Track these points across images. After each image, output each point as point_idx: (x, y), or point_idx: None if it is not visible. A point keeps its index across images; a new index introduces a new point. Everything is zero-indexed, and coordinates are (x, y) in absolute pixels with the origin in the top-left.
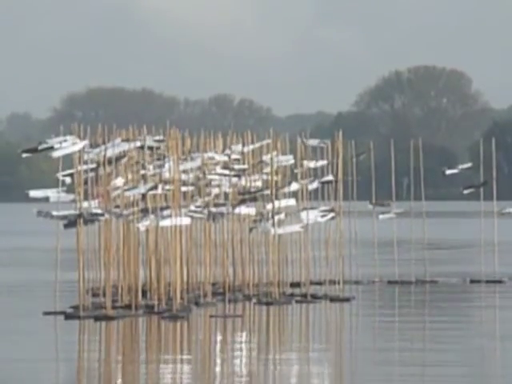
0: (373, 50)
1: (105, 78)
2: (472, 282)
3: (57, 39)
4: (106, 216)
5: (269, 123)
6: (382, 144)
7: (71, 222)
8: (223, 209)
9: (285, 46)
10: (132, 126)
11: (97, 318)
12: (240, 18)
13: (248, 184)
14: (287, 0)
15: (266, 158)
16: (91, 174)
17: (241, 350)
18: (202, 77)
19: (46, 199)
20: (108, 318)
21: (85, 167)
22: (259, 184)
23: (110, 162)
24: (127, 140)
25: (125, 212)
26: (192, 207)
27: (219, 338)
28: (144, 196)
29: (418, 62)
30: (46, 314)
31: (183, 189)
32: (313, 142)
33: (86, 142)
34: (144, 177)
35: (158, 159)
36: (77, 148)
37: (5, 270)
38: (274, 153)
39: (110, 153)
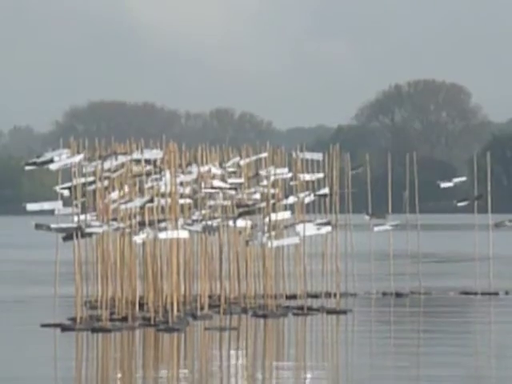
0: (372, 64)
1: (106, 91)
2: (467, 294)
3: (58, 53)
4: (104, 229)
5: (269, 137)
6: (382, 157)
7: (70, 235)
8: (219, 222)
9: (284, 59)
10: (129, 140)
11: (93, 330)
12: (238, 31)
13: (245, 197)
14: (285, 14)
15: (262, 171)
16: (89, 188)
17: (234, 362)
18: (203, 91)
19: (45, 212)
20: (104, 330)
21: (83, 180)
22: (257, 197)
23: (106, 176)
24: (124, 153)
25: (121, 225)
26: (189, 220)
27: (213, 350)
28: (141, 209)
29: (417, 76)
30: (44, 326)
31: (180, 202)
32: (309, 155)
33: (82, 156)
34: (141, 190)
35: (156, 172)
36: (72, 160)
37: (5, 283)
38: (272, 166)
39: (106, 166)
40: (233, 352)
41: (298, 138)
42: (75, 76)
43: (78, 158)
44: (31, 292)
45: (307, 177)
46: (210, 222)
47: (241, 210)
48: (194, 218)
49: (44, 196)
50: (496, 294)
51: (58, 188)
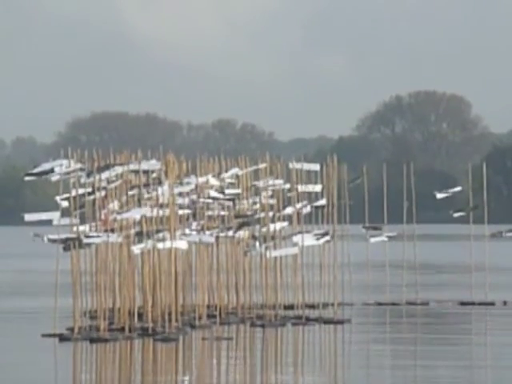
0: (373, 75)
1: (109, 102)
2: (464, 304)
3: (61, 65)
4: (102, 239)
5: (271, 147)
6: (382, 168)
7: (69, 245)
8: (217, 232)
9: (285, 71)
10: (126, 151)
11: (92, 340)
12: (237, 43)
13: (244, 207)
14: (284, 26)
15: (259, 182)
16: (88, 198)
17: (232, 372)
18: (205, 102)
19: (45, 222)
20: (102, 340)
21: (82, 191)
22: (256, 207)
23: (104, 187)
24: (121, 164)
25: (119, 235)
26: (187, 231)
27: (209, 360)
28: (140, 219)
29: (418, 87)
30: (45, 336)
31: (179, 212)
32: (307, 166)
33: (79, 165)
34: (139, 200)
35: (154, 183)
36: (69, 170)
37: (6, 293)
38: (270, 177)
39: (104, 176)
40: (230, 362)
41: (300, 148)
42: (78, 87)
43: (76, 167)
44: (32, 303)
45: (305, 188)
46: (208, 233)
47: (240, 220)
48: (192, 228)
49: (46, 206)
50: (492, 304)
51: (58, 198)
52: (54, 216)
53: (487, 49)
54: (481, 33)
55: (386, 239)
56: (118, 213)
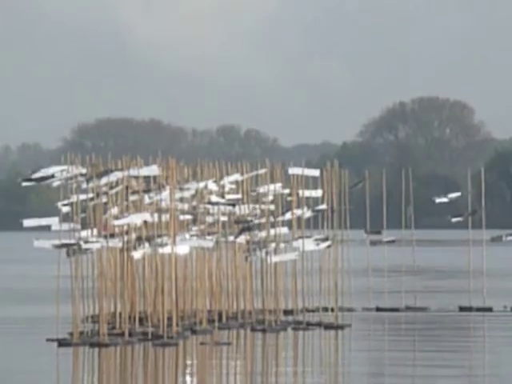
0: (376, 82)
1: (113, 109)
2: (461, 309)
3: (66, 72)
4: (101, 244)
5: (275, 153)
6: (386, 173)
7: (72, 250)
8: (217, 237)
9: (287, 77)
10: (126, 156)
11: (92, 345)
12: (236, 50)
13: (245, 212)
14: (285, 31)
15: (260, 187)
16: (90, 203)
17: (231, 377)
18: (208, 108)
19: (45, 228)
20: (102, 345)
21: (83, 197)
22: (257, 213)
23: (105, 193)
24: (121, 169)
25: (119, 240)
26: (187, 236)
27: (206, 366)
28: (143, 224)
29: (421, 93)
30: (49, 340)
31: (180, 217)
32: (307, 171)
33: (79, 171)
34: (138, 206)
35: (155, 189)
36: (69, 176)
37: (9, 300)
38: (272, 183)
39: (103, 182)
40: (229, 368)
41: (304, 154)
42: (83, 94)
43: (76, 173)
44: (36, 308)
45: (305, 193)
46: (209, 237)
47: (241, 226)
48: (192, 233)
49: (51, 212)
50: (490, 309)
51: (59, 204)
52: (53, 221)
53: (490, 55)
54: (484, 39)
55: (384, 244)
56: (117, 218)
